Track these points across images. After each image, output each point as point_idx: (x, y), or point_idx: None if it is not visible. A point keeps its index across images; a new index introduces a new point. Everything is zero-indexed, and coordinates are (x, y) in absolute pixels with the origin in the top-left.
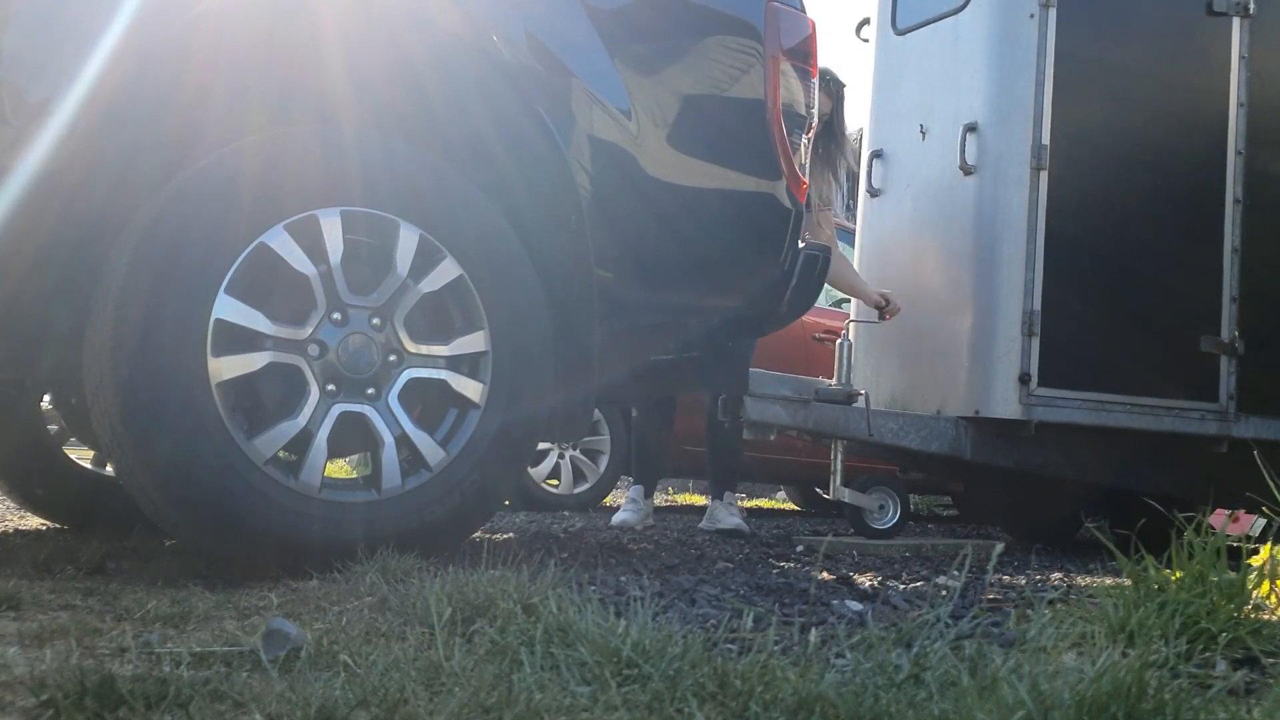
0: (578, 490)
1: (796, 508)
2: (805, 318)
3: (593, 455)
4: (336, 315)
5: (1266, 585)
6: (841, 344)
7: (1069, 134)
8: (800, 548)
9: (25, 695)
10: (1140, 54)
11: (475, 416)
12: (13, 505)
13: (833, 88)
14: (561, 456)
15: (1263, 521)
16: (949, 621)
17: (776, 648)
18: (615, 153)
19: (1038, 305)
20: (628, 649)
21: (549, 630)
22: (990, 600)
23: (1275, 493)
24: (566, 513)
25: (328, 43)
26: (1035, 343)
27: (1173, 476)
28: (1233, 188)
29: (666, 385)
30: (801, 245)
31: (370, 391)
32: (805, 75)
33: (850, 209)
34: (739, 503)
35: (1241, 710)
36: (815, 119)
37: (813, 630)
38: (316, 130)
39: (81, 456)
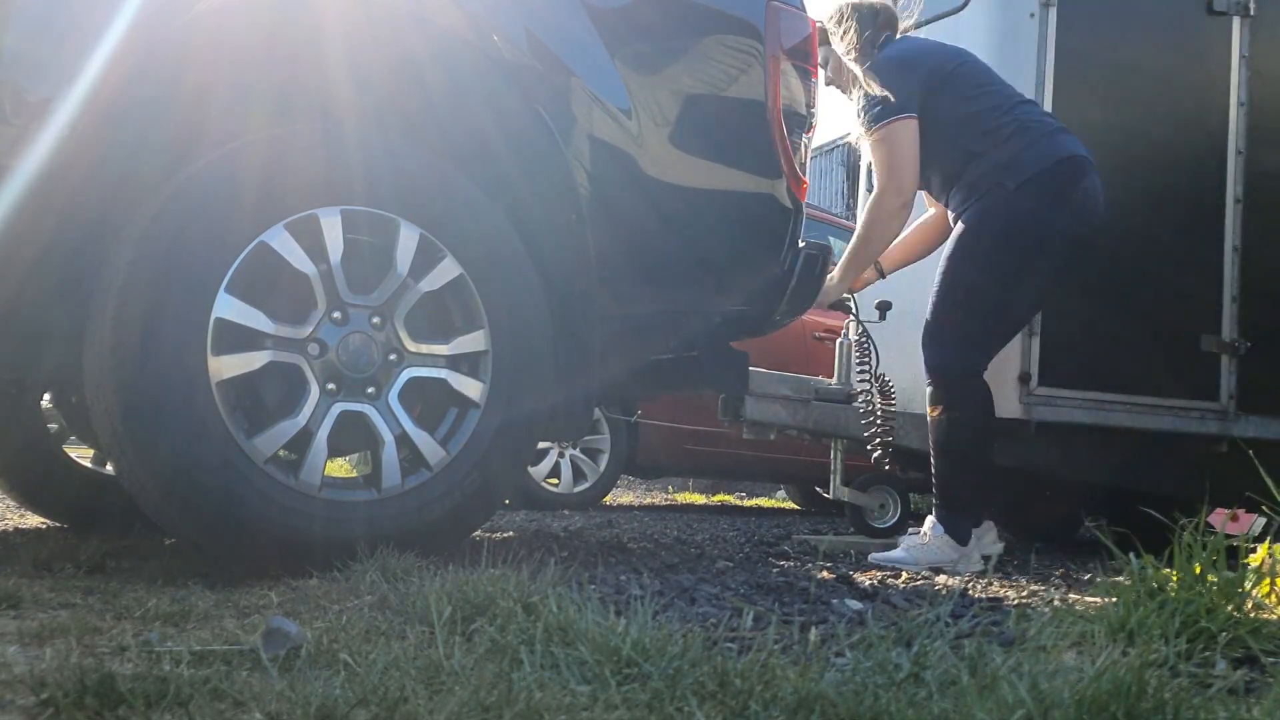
0: (578, 489)
1: (796, 507)
2: (805, 317)
3: (593, 454)
4: (337, 314)
5: (1266, 584)
6: (841, 344)
7: None
8: (800, 547)
9: (25, 693)
10: (1141, 53)
11: (475, 415)
12: (13, 504)
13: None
14: (561, 455)
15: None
16: (949, 620)
17: (776, 646)
18: (615, 152)
19: None
20: (628, 648)
21: (549, 629)
22: (990, 600)
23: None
24: (566, 511)
25: (328, 41)
26: (1035, 342)
27: (1173, 476)
28: (1233, 187)
29: (666, 385)
30: (801, 245)
31: (370, 390)
32: (805, 75)
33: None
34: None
35: (1241, 710)
36: (815, 118)
37: (813, 629)
38: (317, 129)
39: (81, 456)
